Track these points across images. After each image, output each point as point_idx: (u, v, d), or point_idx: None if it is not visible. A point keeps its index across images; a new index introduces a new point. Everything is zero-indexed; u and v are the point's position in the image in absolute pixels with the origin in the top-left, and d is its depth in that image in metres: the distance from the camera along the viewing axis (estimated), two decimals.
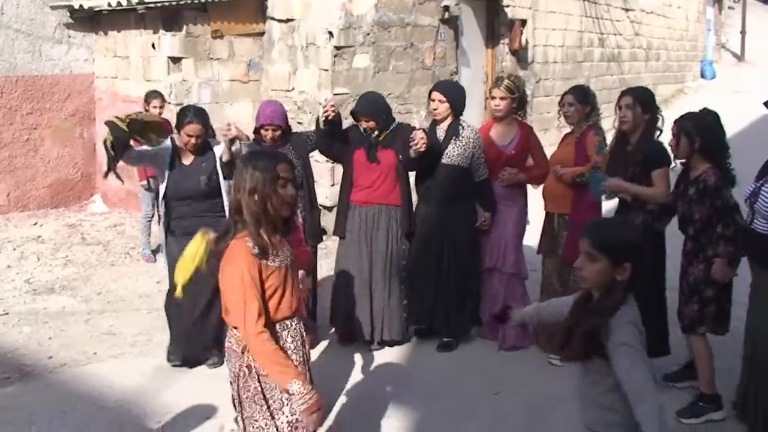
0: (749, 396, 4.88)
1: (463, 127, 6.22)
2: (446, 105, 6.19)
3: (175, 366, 5.95)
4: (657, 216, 5.47)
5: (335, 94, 9.33)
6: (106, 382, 5.74)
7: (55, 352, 6.29)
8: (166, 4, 8.96)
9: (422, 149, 5.81)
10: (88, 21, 10.17)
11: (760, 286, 4.71)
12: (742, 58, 25.96)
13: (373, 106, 6.17)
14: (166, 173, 5.85)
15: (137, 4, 8.91)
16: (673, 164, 5.45)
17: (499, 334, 6.41)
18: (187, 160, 5.88)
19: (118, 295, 7.54)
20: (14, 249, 8.73)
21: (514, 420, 5.26)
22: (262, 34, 10.08)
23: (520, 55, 13.10)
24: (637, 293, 3.17)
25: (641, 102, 5.66)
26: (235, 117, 8.85)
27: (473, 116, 11.96)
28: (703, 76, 23.11)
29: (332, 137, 6.15)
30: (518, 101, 6.38)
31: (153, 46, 9.36)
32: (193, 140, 5.79)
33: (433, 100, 6.23)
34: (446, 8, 10.81)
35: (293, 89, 9.85)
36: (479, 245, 6.38)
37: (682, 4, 21.64)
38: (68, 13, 9.99)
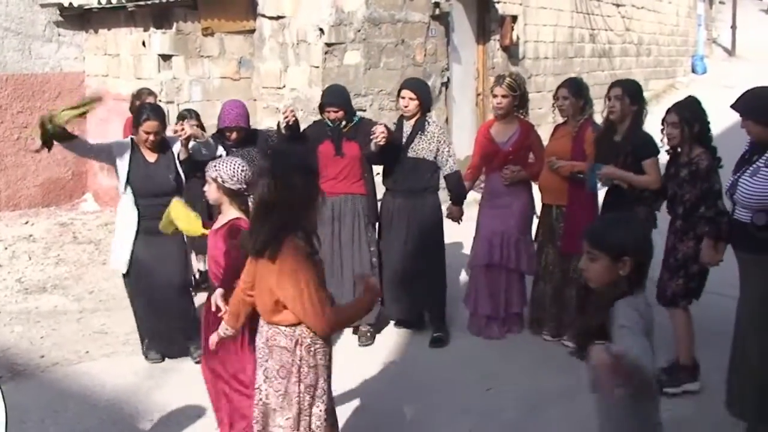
0: (732, 380, 4.94)
1: (428, 123, 6.42)
2: (416, 102, 6.36)
3: (154, 362, 6.00)
4: (653, 200, 5.71)
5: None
6: (99, 380, 5.74)
7: (47, 351, 6.29)
8: (156, 1, 8.95)
9: (382, 142, 6.01)
10: (78, 19, 10.14)
11: (746, 272, 4.82)
12: (732, 53, 26.06)
13: (341, 96, 6.43)
14: (125, 171, 5.85)
15: (127, 1, 8.90)
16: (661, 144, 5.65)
17: (482, 323, 6.56)
18: (151, 157, 5.92)
19: (110, 294, 7.52)
20: (6, 248, 8.71)
21: (508, 414, 5.27)
22: (252, 31, 10.07)
23: (511, 51, 13.11)
24: None
25: (630, 93, 5.89)
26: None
27: (465, 112, 12.00)
28: (694, 71, 23.16)
29: (292, 140, 6.29)
30: (519, 99, 6.46)
31: (143, 44, 9.34)
32: (151, 137, 5.82)
33: (403, 98, 6.39)
34: (437, 5, 10.82)
35: (284, 86, 9.84)
36: (442, 236, 6.53)
37: None
38: (58, 12, 9.96)
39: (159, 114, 5.95)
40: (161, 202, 5.47)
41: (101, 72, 10.12)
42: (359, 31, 9.75)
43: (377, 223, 6.53)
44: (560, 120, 6.51)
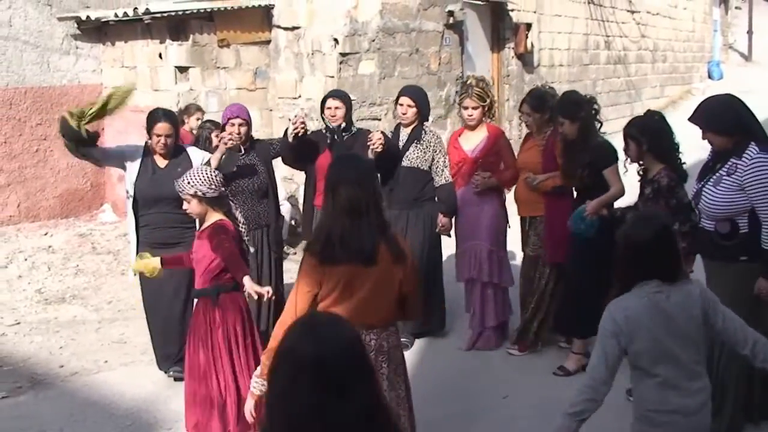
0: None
1: (425, 131, 6.38)
2: (414, 110, 6.33)
3: (177, 378, 5.73)
4: (623, 215, 5.50)
5: None
6: (117, 390, 5.79)
7: (66, 361, 6.34)
8: (173, 14, 9.02)
9: (379, 149, 5.93)
10: (96, 32, 10.23)
11: (713, 278, 4.81)
12: (749, 59, 25.89)
13: (343, 93, 6.48)
14: (135, 176, 5.81)
15: (144, 14, 8.97)
16: (624, 169, 5.66)
17: (471, 335, 6.53)
18: (162, 163, 5.85)
19: (128, 304, 7.57)
20: (25, 259, 8.79)
21: (522, 423, 5.27)
22: (268, 42, 10.13)
23: (525, 58, 13.12)
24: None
25: (565, 113, 5.83)
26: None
27: None
28: (710, 76, 23.05)
29: (298, 151, 6.18)
30: (489, 106, 6.46)
31: (160, 56, 9.41)
32: (162, 139, 5.75)
33: (401, 105, 6.36)
34: (451, 13, 10.84)
35: (300, 96, 9.90)
36: (439, 245, 6.53)
37: (688, 5, 21.60)
38: (76, 25, 10.04)
39: (171, 118, 5.92)
40: (164, 209, 5.56)
41: (118, 84, 10.19)
42: (374, 40, 9.79)
43: None
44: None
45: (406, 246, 3.76)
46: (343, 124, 6.25)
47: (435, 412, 5.33)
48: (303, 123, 6.01)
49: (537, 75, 13.53)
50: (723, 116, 4.65)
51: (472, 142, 6.48)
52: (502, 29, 12.58)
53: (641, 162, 5.43)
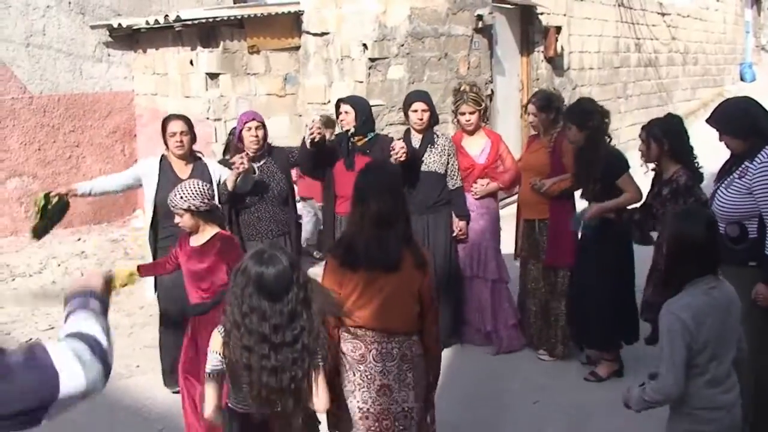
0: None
1: (437, 136, 6.40)
2: (428, 114, 6.34)
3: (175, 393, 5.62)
4: (643, 219, 5.69)
5: (371, 106, 9.38)
6: (150, 394, 5.83)
7: None
8: (203, 21, 9.09)
9: (402, 158, 5.85)
10: (127, 39, 10.34)
11: None
12: None
13: (356, 99, 6.46)
14: (153, 188, 5.73)
15: (175, 21, 9.04)
16: (645, 170, 5.74)
17: (492, 338, 6.55)
18: (183, 173, 5.73)
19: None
20: (59, 265, 8.88)
21: (551, 429, 5.25)
22: (297, 48, 10.18)
23: (555, 62, 13.07)
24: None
25: (573, 121, 5.84)
26: (273, 131, 8.92)
27: (510, 124, 11.97)
28: (742, 79, 22.86)
29: (317, 158, 6.10)
30: (485, 110, 6.56)
31: (191, 62, 9.49)
32: (178, 137, 5.68)
33: (416, 111, 6.33)
34: (480, 17, 10.81)
35: (329, 102, 9.91)
36: (456, 251, 6.51)
37: (720, 6, 21.43)
38: (107, 32, 10.15)
39: (184, 118, 5.84)
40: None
41: (150, 91, 10.30)
42: (402, 45, 9.80)
43: None
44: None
45: (428, 254, 3.80)
46: (353, 129, 6.14)
47: (464, 415, 5.33)
48: (319, 128, 5.94)
49: (567, 78, 13.48)
50: (739, 119, 4.65)
51: (476, 146, 6.55)
52: (532, 33, 12.54)
53: (656, 163, 5.58)
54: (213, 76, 9.36)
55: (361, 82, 9.55)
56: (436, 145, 6.31)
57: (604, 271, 5.73)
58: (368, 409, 3.59)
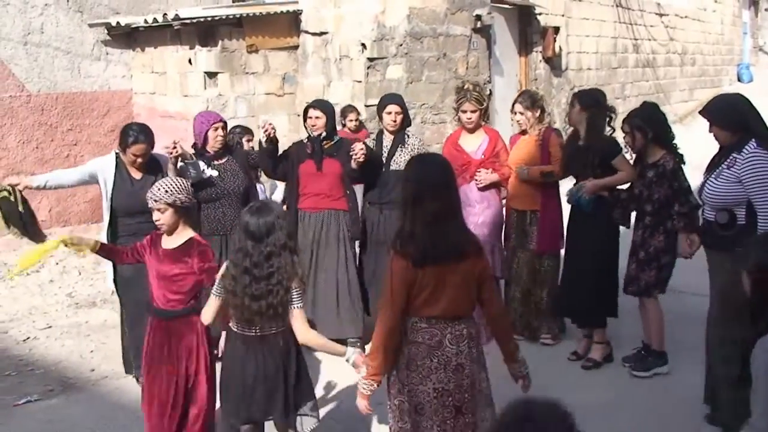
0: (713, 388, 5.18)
1: (408, 136, 6.64)
2: (402, 116, 6.57)
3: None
4: (628, 200, 6.03)
5: (368, 106, 9.40)
6: None
7: (97, 364, 6.39)
8: (202, 20, 9.08)
9: (362, 159, 6.13)
10: (125, 38, 10.32)
11: (712, 268, 5.12)
12: None
13: (326, 104, 6.61)
14: (109, 189, 5.72)
15: (173, 20, 9.03)
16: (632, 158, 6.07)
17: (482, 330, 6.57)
18: (137, 174, 5.79)
19: None
20: (56, 263, 8.88)
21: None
22: (296, 47, 10.17)
23: (553, 62, 13.09)
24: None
25: (581, 101, 6.19)
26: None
27: (508, 124, 11.94)
28: (740, 79, 22.88)
29: (275, 157, 6.42)
30: (485, 109, 6.69)
31: (189, 61, 9.48)
32: (139, 159, 5.70)
33: (390, 113, 6.55)
34: (478, 17, 10.83)
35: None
36: None
37: (717, 7, 21.45)
38: (106, 31, 10.13)
39: (147, 135, 5.73)
40: (146, 219, 5.12)
41: (148, 90, 10.29)
42: (401, 45, 9.80)
43: (361, 238, 6.61)
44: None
45: (472, 236, 3.94)
46: (324, 134, 6.36)
47: None
48: (272, 125, 6.25)
49: (565, 79, 13.49)
50: (729, 113, 4.93)
51: (473, 143, 6.67)
52: (530, 33, 12.56)
53: (642, 152, 5.88)
54: (211, 75, 9.36)
55: (360, 81, 9.55)
56: (406, 146, 6.53)
57: (595, 253, 6.04)
58: (443, 387, 3.80)
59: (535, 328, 6.63)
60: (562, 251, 6.57)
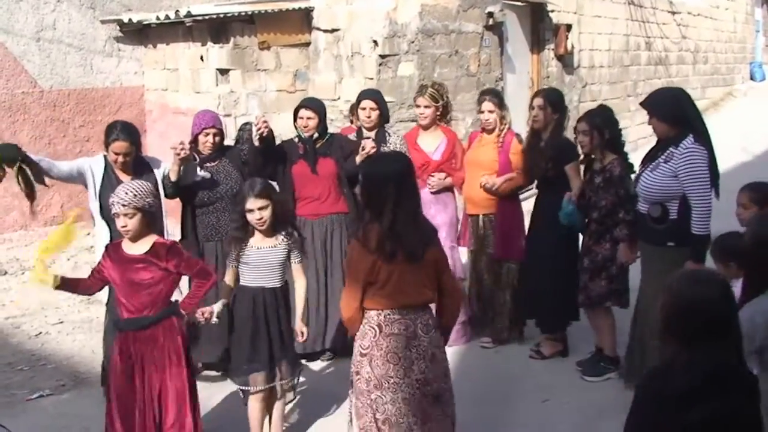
0: (634, 356, 5.39)
1: (389, 134, 6.51)
2: (377, 113, 6.41)
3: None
4: (583, 207, 5.96)
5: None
6: None
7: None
8: (214, 16, 9.09)
9: (372, 154, 5.96)
10: (137, 34, 10.34)
11: (645, 260, 5.27)
12: None
13: (318, 104, 6.40)
14: (98, 190, 5.45)
15: (185, 17, 9.04)
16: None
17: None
18: (125, 177, 5.42)
19: None
20: (68, 259, 8.91)
21: (561, 427, 5.25)
22: (308, 44, 10.17)
23: (565, 60, 13.05)
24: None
25: (551, 102, 6.20)
26: (283, 126, 8.94)
27: (520, 121, 11.89)
28: (752, 78, 22.79)
29: (266, 155, 6.11)
30: (442, 109, 6.62)
31: (201, 58, 9.49)
32: (120, 158, 5.38)
33: (364, 108, 6.42)
34: (490, 15, 10.80)
35: (339, 98, 9.91)
36: None
37: (730, 5, 21.36)
38: (118, 27, 10.16)
39: (130, 133, 5.45)
40: None
41: (160, 86, 10.31)
42: (413, 42, 9.79)
43: None
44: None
45: (431, 226, 4.06)
46: (316, 134, 6.19)
47: (472, 414, 5.33)
48: (266, 122, 6.00)
49: (577, 76, 13.46)
50: (669, 106, 5.02)
51: (431, 143, 6.63)
52: (542, 30, 12.52)
53: (593, 154, 5.85)
54: (223, 71, 9.36)
55: (372, 78, 9.54)
56: (388, 144, 6.39)
57: (554, 257, 6.05)
58: (425, 377, 3.88)
59: (499, 330, 6.61)
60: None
